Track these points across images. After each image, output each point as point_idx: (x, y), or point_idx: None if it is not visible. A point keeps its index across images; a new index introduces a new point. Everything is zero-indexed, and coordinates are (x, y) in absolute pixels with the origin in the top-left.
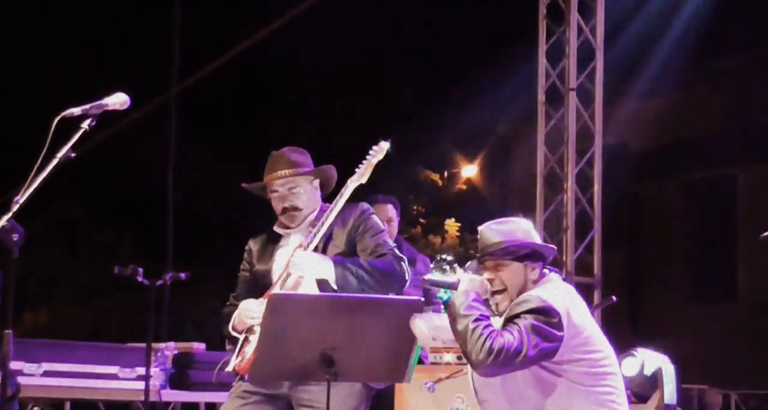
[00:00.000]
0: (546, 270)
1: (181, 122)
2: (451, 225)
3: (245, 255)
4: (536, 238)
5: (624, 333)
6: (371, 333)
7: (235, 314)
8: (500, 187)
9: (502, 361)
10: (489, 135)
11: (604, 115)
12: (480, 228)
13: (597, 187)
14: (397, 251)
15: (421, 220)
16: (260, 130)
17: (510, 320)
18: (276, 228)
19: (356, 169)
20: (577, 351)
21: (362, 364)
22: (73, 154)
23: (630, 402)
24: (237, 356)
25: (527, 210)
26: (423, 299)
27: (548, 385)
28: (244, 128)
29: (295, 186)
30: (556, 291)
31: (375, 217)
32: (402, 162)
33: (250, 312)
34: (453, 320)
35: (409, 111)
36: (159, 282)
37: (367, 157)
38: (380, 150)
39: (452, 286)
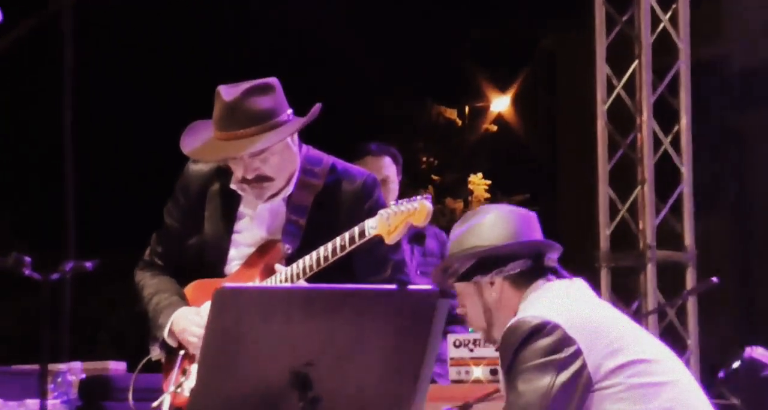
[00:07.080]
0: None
1: (80, 44)
2: (478, 183)
3: (179, 194)
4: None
5: (731, 326)
6: (365, 341)
7: (175, 316)
8: (544, 127)
9: None
10: (527, 51)
11: (692, 19)
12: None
13: (685, 122)
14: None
15: (434, 177)
16: (205, 53)
17: (509, 380)
18: (234, 186)
19: (381, 212)
20: (607, 356)
21: (352, 387)
22: None
23: None
24: (174, 382)
25: (584, 158)
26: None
27: None
28: (176, 53)
29: (262, 150)
30: (539, 300)
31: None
32: (404, 93)
33: (192, 328)
34: None
35: (413, 18)
36: (55, 276)
37: (401, 207)
38: (421, 211)
39: None
